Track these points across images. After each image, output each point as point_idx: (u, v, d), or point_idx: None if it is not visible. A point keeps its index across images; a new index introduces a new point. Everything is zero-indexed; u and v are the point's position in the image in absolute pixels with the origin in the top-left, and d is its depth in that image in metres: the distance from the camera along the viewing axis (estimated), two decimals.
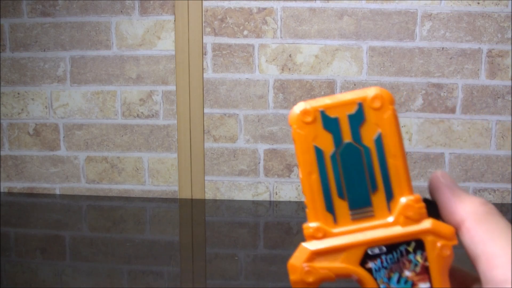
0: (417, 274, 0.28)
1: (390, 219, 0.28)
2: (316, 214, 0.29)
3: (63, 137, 1.69)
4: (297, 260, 0.29)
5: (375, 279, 0.28)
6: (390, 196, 0.29)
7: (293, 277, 0.29)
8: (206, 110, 1.63)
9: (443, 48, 1.57)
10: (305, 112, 0.29)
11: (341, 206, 0.29)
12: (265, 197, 1.65)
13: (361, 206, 0.29)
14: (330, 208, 0.29)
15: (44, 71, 1.67)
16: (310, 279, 0.28)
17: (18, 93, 1.69)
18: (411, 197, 0.29)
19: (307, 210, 0.29)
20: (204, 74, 1.61)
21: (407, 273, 0.28)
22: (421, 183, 1.62)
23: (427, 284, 0.28)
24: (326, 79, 1.59)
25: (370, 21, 1.56)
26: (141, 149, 1.68)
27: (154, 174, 1.69)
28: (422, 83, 1.58)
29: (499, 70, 1.56)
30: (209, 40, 1.60)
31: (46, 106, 1.68)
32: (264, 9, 1.58)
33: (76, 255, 1.28)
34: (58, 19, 1.63)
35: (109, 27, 1.62)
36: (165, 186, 1.69)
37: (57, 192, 1.72)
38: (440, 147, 1.61)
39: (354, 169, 0.29)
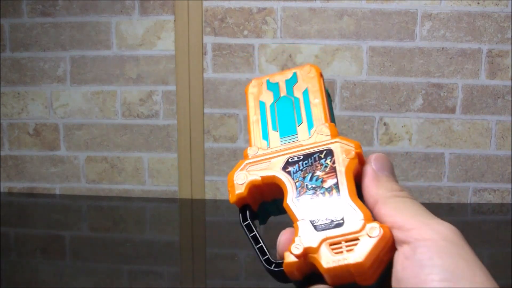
0: (326, 173, 0.33)
1: (309, 139, 0.36)
2: (254, 141, 0.36)
3: (63, 137, 1.69)
4: (233, 171, 0.35)
5: (293, 179, 0.33)
6: (311, 126, 0.36)
7: (229, 183, 0.35)
8: (206, 110, 1.63)
9: (443, 48, 1.57)
10: (255, 82, 0.40)
11: (274, 135, 0.37)
12: None
13: (288, 134, 0.36)
14: (265, 136, 0.37)
15: (44, 71, 1.67)
16: (241, 181, 0.34)
17: (18, 93, 1.69)
18: (326, 123, 0.36)
19: (249, 142, 0.37)
20: (204, 74, 1.61)
21: (318, 173, 0.33)
22: (421, 183, 1.62)
23: (334, 180, 0.33)
24: (326, 79, 1.59)
25: (370, 21, 1.56)
26: (141, 149, 1.68)
27: (154, 174, 1.68)
28: (422, 83, 1.58)
29: (499, 70, 1.56)
30: (209, 40, 1.60)
31: (46, 106, 1.68)
32: (264, 9, 1.58)
33: (76, 255, 1.28)
34: (58, 19, 1.63)
35: (109, 27, 1.62)
36: (165, 186, 1.69)
37: (57, 192, 1.72)
38: (440, 147, 1.61)
39: (286, 112, 0.37)
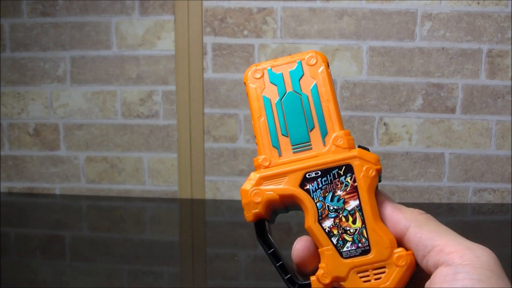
0: (348, 193, 0.32)
1: (324, 149, 0.34)
2: (263, 149, 0.35)
3: (63, 137, 1.69)
4: (247, 186, 0.34)
5: (313, 198, 0.33)
6: (324, 132, 0.34)
7: (244, 200, 0.34)
8: (206, 110, 1.63)
9: (443, 48, 1.57)
10: (255, 71, 0.37)
11: (285, 142, 0.34)
12: None
13: (301, 142, 0.34)
14: (275, 143, 0.35)
15: (44, 71, 1.67)
16: (258, 199, 0.33)
17: (18, 93, 1.69)
18: (341, 132, 0.34)
19: (257, 148, 0.35)
20: (204, 74, 1.61)
21: (339, 192, 0.33)
22: (421, 183, 1.62)
23: (357, 201, 0.32)
24: None
25: (370, 21, 1.56)
26: (141, 149, 1.68)
27: (154, 174, 1.68)
28: (422, 83, 1.58)
29: (499, 70, 1.56)
30: (209, 40, 1.60)
31: (46, 106, 1.68)
32: (264, 9, 1.58)
33: (76, 255, 1.28)
34: (58, 19, 1.63)
35: (109, 27, 1.62)
36: (165, 186, 1.69)
37: (57, 192, 1.72)
38: (440, 147, 1.61)
39: (295, 112, 0.35)
